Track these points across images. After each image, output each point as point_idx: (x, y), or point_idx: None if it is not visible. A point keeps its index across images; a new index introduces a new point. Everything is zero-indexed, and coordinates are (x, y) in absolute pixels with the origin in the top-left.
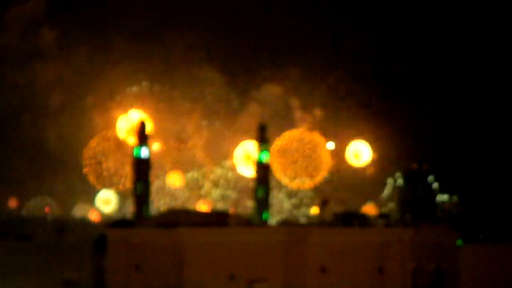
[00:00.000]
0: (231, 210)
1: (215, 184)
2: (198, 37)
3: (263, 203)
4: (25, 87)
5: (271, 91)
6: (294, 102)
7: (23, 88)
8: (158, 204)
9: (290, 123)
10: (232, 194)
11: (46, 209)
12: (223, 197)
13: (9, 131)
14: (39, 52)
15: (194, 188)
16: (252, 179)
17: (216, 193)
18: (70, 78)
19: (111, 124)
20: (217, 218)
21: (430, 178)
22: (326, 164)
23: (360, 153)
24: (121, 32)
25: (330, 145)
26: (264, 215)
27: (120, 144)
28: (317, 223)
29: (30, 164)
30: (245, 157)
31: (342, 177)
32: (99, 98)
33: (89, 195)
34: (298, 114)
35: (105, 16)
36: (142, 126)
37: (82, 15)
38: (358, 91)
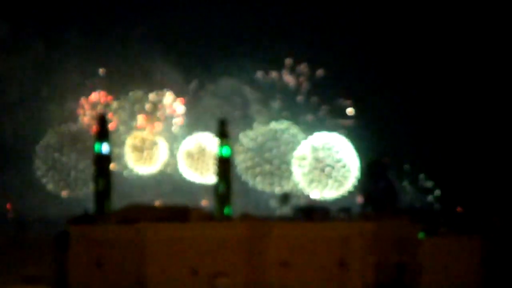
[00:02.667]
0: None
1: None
2: (153, 29)
3: (224, 198)
4: None
5: (227, 84)
6: (251, 95)
7: None
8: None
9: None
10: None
11: (7, 205)
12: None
13: None
14: None
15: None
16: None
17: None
18: (25, 72)
19: (68, 118)
20: (179, 213)
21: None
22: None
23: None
24: (76, 25)
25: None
26: (226, 210)
27: (77, 138)
28: (279, 217)
29: None
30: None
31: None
32: (56, 92)
33: (47, 190)
34: (255, 107)
35: (60, 9)
36: (102, 121)
37: (36, 9)
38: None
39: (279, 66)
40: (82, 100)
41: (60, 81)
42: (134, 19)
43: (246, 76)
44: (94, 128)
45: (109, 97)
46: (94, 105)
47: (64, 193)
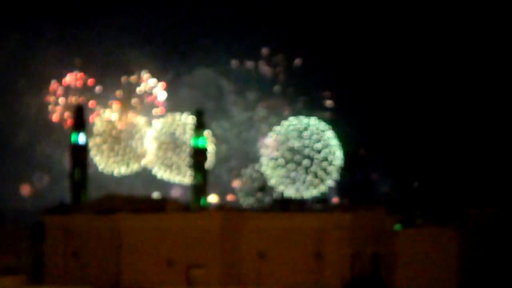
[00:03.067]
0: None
1: None
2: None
3: (200, 189)
4: None
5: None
6: (227, 86)
7: None
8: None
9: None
10: None
11: None
12: None
13: None
14: None
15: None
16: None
17: None
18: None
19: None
20: (155, 204)
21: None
22: None
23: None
24: (51, 16)
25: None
26: (202, 201)
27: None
28: (255, 208)
29: None
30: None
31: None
32: (32, 83)
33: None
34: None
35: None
36: (79, 111)
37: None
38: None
39: (256, 56)
40: (53, 85)
41: (36, 72)
42: (109, 10)
43: (222, 67)
44: (69, 119)
45: (91, 80)
46: (67, 90)
47: (39, 184)
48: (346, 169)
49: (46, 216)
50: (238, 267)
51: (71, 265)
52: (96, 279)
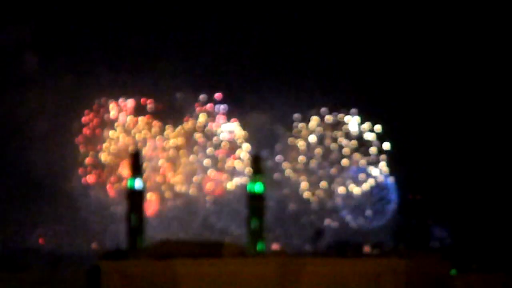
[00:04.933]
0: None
1: None
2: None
3: (257, 234)
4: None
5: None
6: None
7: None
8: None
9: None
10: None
11: (40, 240)
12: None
13: None
14: (23, 78)
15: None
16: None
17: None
18: (54, 105)
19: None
20: (211, 248)
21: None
22: None
23: None
24: (107, 60)
25: None
26: (259, 246)
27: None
28: (311, 253)
29: (15, 193)
30: None
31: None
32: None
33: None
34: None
35: (89, 43)
36: (136, 156)
37: (66, 41)
38: None
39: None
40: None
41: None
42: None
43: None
44: (126, 163)
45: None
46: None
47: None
48: (402, 215)
49: (103, 261)
50: None
51: None
52: None
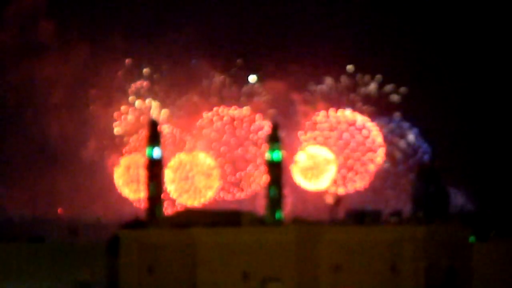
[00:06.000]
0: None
1: None
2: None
3: (276, 202)
4: (25, 83)
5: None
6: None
7: (22, 85)
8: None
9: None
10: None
11: (59, 210)
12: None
13: (10, 128)
14: (39, 47)
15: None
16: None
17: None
18: (71, 74)
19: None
20: (230, 218)
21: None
22: None
23: None
24: (121, 27)
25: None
26: (277, 214)
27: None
28: (330, 221)
29: (33, 163)
30: None
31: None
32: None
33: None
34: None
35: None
36: (153, 125)
37: (81, 10)
38: None
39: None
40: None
41: (105, 83)
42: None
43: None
44: (144, 133)
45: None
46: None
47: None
48: (420, 182)
49: (122, 231)
50: (313, 280)
51: (147, 279)
52: None
